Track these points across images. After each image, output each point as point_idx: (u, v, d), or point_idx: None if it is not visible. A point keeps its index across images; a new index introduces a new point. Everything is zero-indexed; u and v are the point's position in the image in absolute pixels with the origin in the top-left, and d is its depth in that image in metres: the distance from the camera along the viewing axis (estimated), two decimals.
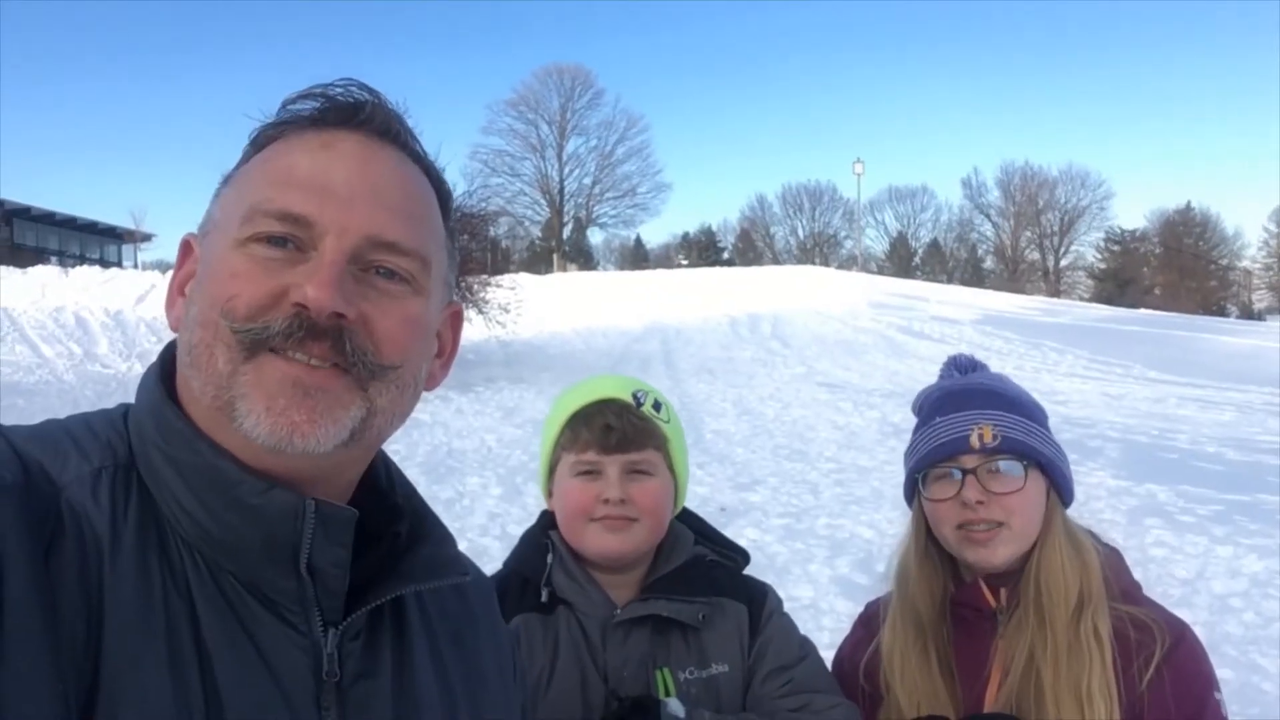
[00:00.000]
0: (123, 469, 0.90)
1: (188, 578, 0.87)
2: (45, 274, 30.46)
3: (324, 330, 0.89)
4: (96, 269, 35.18)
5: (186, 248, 1.00)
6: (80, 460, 0.88)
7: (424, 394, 1.04)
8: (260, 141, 0.98)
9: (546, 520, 1.83)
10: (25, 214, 53.32)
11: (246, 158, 0.99)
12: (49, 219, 55.50)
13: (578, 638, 1.68)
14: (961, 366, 1.94)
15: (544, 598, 1.71)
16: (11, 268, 31.07)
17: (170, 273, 1.03)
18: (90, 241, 58.95)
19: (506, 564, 1.83)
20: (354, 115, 0.96)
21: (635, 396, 1.76)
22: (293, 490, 0.89)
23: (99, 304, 25.27)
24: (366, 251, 0.93)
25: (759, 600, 1.79)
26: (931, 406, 1.86)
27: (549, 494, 1.81)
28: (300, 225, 0.91)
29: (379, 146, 0.97)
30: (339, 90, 0.97)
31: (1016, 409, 1.79)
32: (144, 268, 48.38)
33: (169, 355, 0.98)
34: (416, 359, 0.98)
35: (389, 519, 1.05)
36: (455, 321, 1.11)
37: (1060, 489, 1.79)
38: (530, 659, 1.66)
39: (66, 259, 46.64)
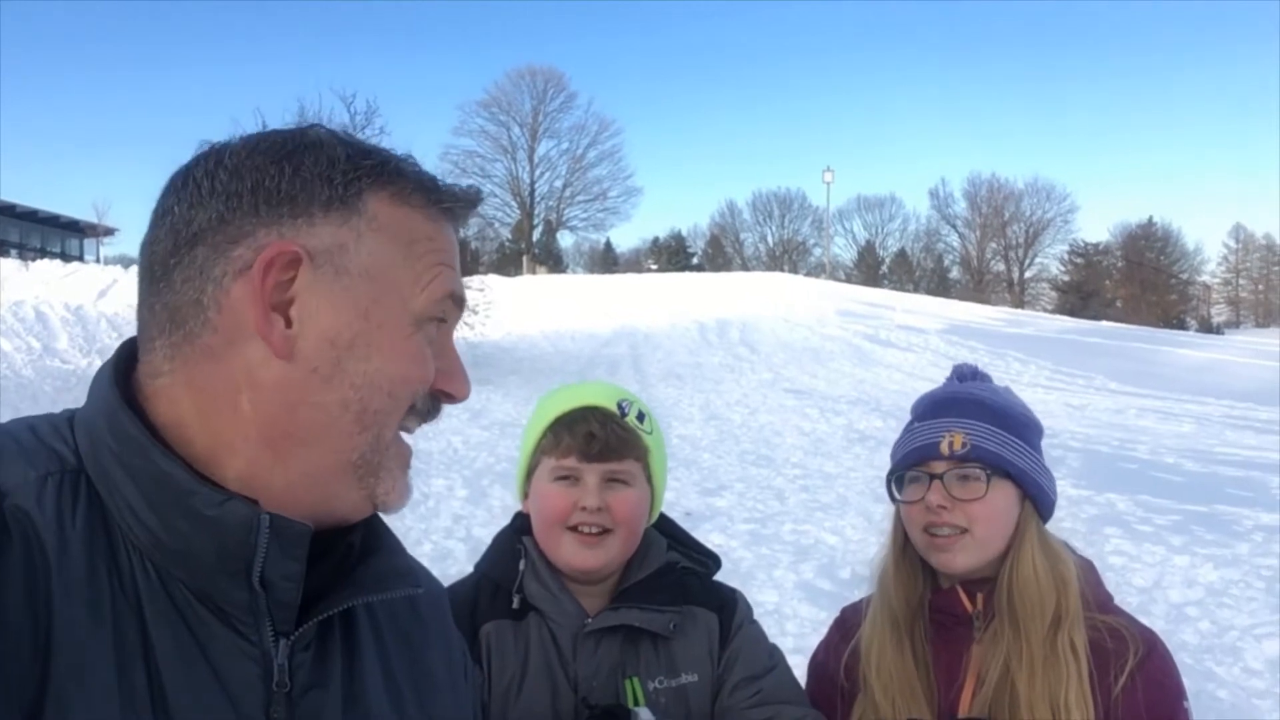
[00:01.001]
0: (70, 474, 0.88)
1: (137, 585, 0.86)
2: (5, 267, 29.95)
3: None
4: (57, 263, 34.70)
5: (282, 258, 0.89)
6: (25, 467, 0.86)
7: None
8: (394, 190, 0.96)
9: (520, 523, 1.82)
10: None
11: (365, 188, 0.94)
12: (9, 211, 54.54)
13: (549, 646, 1.67)
14: (962, 375, 1.95)
15: (515, 604, 1.70)
16: None
17: (267, 283, 0.90)
18: (51, 235, 58.03)
19: (478, 567, 1.82)
20: (465, 214, 1.04)
21: (620, 406, 1.75)
22: (248, 502, 0.88)
23: (59, 298, 24.86)
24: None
25: (729, 609, 1.79)
26: (918, 412, 1.89)
27: (524, 496, 1.80)
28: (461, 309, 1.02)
29: None
30: (460, 188, 1.04)
31: (998, 420, 1.80)
32: (106, 262, 47.58)
33: (124, 355, 0.96)
34: None
35: (343, 529, 1.03)
36: None
37: (1038, 502, 1.80)
38: (501, 667, 1.65)
39: (27, 252, 45.88)
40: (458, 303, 1.00)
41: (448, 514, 9.19)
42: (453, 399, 1.00)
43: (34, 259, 36.40)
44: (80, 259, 49.28)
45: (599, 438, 1.69)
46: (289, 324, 0.90)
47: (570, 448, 1.70)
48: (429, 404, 0.99)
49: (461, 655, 1.22)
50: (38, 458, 0.87)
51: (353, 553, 1.03)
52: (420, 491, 9.97)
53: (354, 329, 0.91)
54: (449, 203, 1.00)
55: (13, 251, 43.61)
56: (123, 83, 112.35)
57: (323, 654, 0.97)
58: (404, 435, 0.99)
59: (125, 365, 0.95)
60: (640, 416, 1.77)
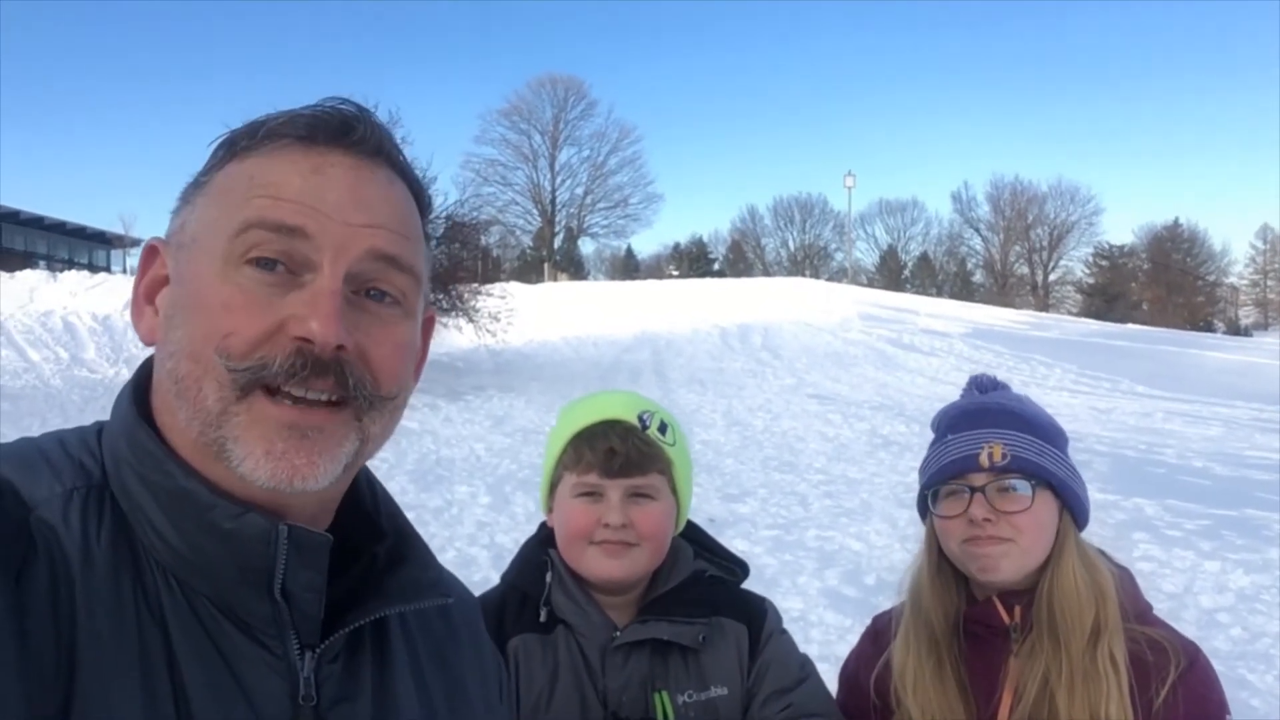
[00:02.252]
0: (95, 489, 0.88)
1: (161, 600, 0.86)
2: (33, 278, 30.31)
3: (327, 364, 0.87)
4: (85, 274, 35.05)
5: (152, 252, 0.97)
6: (52, 480, 0.86)
7: (410, 402, 1.03)
8: (238, 150, 0.93)
9: (545, 535, 1.81)
10: (14, 218, 53.20)
11: (219, 164, 0.94)
12: (38, 223, 55.34)
13: (577, 660, 1.66)
14: (982, 386, 1.92)
15: (543, 617, 1.69)
16: None
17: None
18: (79, 246, 58.79)
19: (505, 578, 1.81)
20: (345, 135, 0.94)
21: (641, 418, 1.73)
22: (266, 514, 0.88)
23: (87, 309, 25.20)
24: (365, 270, 0.91)
25: (759, 620, 1.78)
26: (947, 424, 1.85)
27: (549, 509, 1.79)
28: (296, 238, 0.88)
29: (371, 167, 0.95)
30: (329, 109, 0.95)
31: (1031, 429, 1.78)
32: (133, 273, 48.03)
33: (144, 372, 0.96)
34: (408, 384, 0.98)
35: (369, 539, 1.03)
36: (428, 327, 1.08)
37: (1074, 511, 1.78)
38: (529, 680, 1.64)
39: (55, 263, 46.47)
40: (272, 228, 0.87)
41: (471, 521, 9.20)
42: (307, 341, 0.85)
43: (62, 270, 36.77)
44: (107, 270, 49.82)
45: (620, 453, 1.67)
46: (157, 311, 0.94)
47: (591, 464, 1.68)
48: (290, 358, 0.85)
49: (496, 668, 1.21)
50: (65, 472, 0.88)
51: (378, 563, 1.02)
52: (443, 498, 10.02)
53: (173, 297, 0.92)
54: (279, 133, 0.92)
55: (41, 263, 44.18)
56: (148, 94, 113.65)
57: (352, 667, 0.96)
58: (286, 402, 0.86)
59: (146, 381, 0.95)
60: (663, 428, 1.75)
